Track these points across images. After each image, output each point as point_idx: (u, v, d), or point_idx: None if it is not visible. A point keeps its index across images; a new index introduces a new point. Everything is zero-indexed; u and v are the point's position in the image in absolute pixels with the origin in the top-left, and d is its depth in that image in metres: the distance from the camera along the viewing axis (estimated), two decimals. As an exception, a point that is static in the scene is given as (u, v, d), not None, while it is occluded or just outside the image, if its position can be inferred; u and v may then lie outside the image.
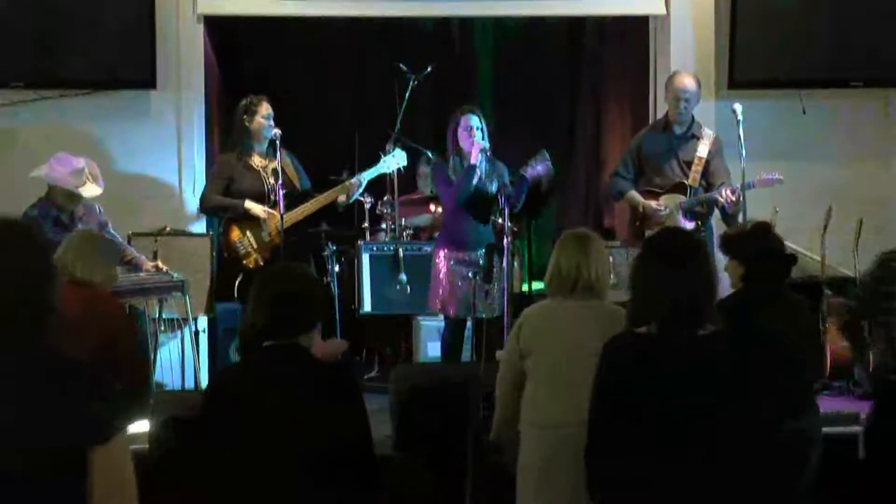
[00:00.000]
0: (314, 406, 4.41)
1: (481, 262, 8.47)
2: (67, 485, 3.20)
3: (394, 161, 9.21)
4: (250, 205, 8.73)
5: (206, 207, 9.12)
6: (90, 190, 8.26)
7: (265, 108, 8.82)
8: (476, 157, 8.52)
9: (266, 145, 8.86)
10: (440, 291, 8.66)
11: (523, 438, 5.78)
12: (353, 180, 9.00)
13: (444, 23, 11.28)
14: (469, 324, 8.76)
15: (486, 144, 8.56)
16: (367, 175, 9.07)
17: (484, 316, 8.47)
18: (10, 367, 3.20)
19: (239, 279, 8.76)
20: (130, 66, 9.63)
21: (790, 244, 9.69)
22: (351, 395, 4.54)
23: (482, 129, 8.61)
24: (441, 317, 8.94)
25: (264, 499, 4.35)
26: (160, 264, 8.56)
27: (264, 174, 8.82)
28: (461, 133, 8.64)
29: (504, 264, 8.43)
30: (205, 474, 4.51)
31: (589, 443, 4.38)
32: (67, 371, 3.29)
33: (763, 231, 6.21)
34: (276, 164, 8.55)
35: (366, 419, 4.56)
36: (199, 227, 9.76)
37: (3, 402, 3.18)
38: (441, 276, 8.66)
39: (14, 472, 3.15)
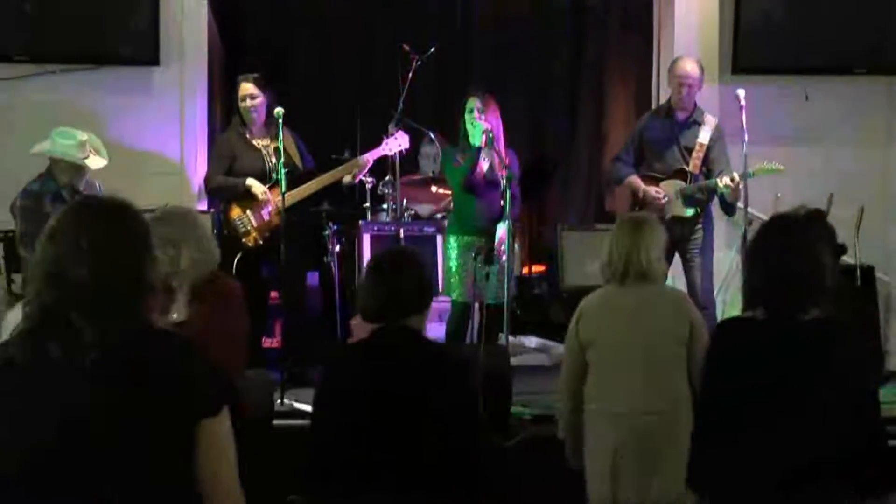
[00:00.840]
0: (427, 388, 4.47)
1: (483, 243, 8.47)
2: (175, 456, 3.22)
3: (396, 143, 9.20)
4: (251, 182, 8.73)
5: (210, 188, 9.13)
6: (95, 162, 8.26)
7: (242, 90, 8.83)
8: (481, 140, 8.51)
9: (264, 123, 8.84)
10: (450, 276, 8.67)
11: (591, 425, 5.79)
12: (360, 159, 8.99)
13: (448, 2, 11.27)
14: (476, 308, 8.76)
15: (489, 127, 8.52)
16: (371, 156, 9.07)
17: (490, 302, 8.46)
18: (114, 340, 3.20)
19: (238, 257, 8.74)
20: (133, 42, 9.63)
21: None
22: (463, 377, 4.64)
23: (488, 112, 8.58)
24: (443, 298, 8.95)
25: (372, 479, 4.41)
26: None
27: (266, 153, 8.81)
28: (468, 115, 8.64)
29: (506, 247, 8.43)
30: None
31: (696, 427, 4.41)
32: (175, 346, 3.33)
33: (821, 220, 6.21)
34: (277, 143, 8.53)
35: (475, 403, 4.67)
36: (202, 204, 9.75)
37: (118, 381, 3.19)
38: (451, 261, 8.66)
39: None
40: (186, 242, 5.66)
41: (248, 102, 8.81)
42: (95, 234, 3.23)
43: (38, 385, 3.17)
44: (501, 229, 8.40)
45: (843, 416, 4.15)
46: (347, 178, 8.97)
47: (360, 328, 4.95)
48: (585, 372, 5.78)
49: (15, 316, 3.77)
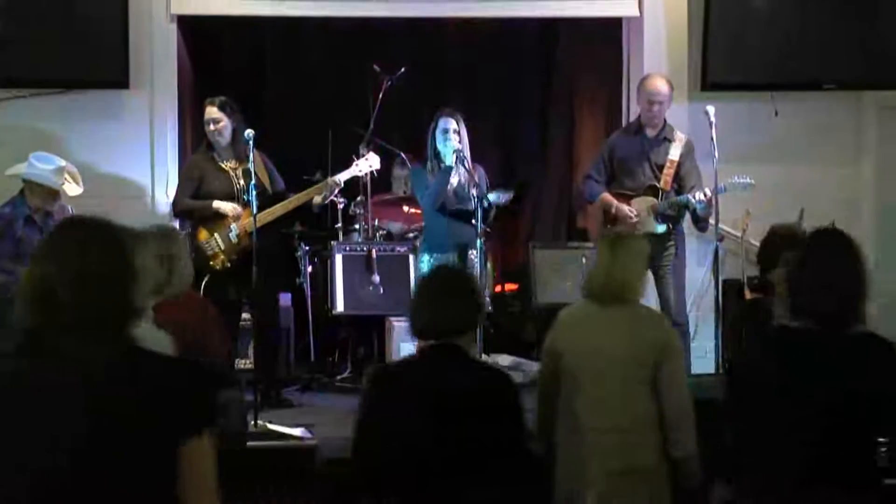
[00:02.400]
0: (475, 406, 4.54)
1: (455, 262, 8.48)
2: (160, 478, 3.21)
3: (366, 164, 9.19)
4: (219, 204, 8.70)
5: (177, 211, 9.08)
6: (72, 189, 8.25)
7: (207, 114, 8.78)
8: (450, 160, 8.53)
9: (232, 146, 8.81)
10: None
11: (559, 439, 5.79)
12: (330, 180, 8.98)
13: (417, 24, 11.27)
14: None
15: (460, 147, 8.55)
16: (342, 177, 9.05)
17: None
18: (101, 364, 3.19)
19: (205, 280, 8.72)
20: (103, 66, 9.59)
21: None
22: (510, 397, 4.71)
23: (459, 132, 8.62)
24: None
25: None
26: None
27: (234, 175, 8.79)
28: (438, 135, 8.67)
29: (478, 266, 8.44)
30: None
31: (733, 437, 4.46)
32: (161, 366, 3.33)
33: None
34: (247, 164, 8.50)
35: (522, 421, 4.79)
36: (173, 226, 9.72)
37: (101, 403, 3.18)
38: (424, 279, 8.66)
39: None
40: (181, 258, 5.76)
41: (212, 126, 8.78)
42: (83, 257, 3.22)
43: (26, 408, 3.16)
44: (473, 248, 8.42)
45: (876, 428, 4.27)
46: (318, 199, 8.95)
47: None
48: (558, 380, 5.77)
49: None
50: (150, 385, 3.22)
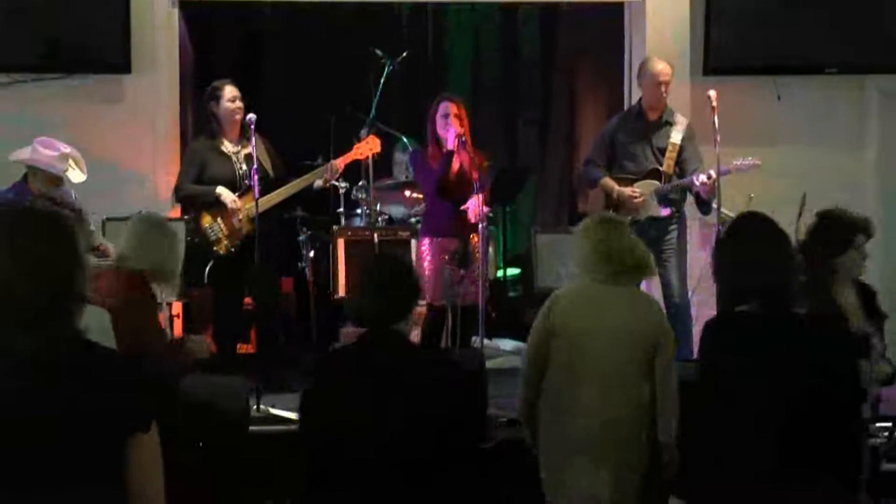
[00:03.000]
0: (418, 388, 4.63)
1: (458, 247, 8.48)
2: (107, 477, 3.21)
3: (366, 147, 9.18)
4: (221, 191, 8.68)
5: (179, 196, 9.08)
6: (76, 176, 8.23)
7: (229, 92, 8.76)
8: (452, 144, 8.52)
9: (237, 130, 8.80)
10: (423, 279, 8.68)
11: (543, 418, 5.81)
12: (330, 164, 8.96)
13: (419, 8, 11.25)
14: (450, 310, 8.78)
15: (461, 131, 8.55)
16: (343, 161, 9.04)
17: (456, 304, 8.48)
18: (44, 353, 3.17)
19: (209, 265, 8.72)
20: (105, 50, 9.59)
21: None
22: (456, 379, 4.85)
23: (459, 116, 8.61)
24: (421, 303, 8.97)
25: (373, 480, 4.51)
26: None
27: (236, 160, 8.78)
28: (439, 120, 8.66)
29: (480, 250, 8.44)
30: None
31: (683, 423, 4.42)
32: (108, 359, 3.32)
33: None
34: (249, 149, 8.50)
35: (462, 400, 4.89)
36: (175, 211, 9.71)
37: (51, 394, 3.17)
38: (424, 264, 8.67)
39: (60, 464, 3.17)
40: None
41: (237, 104, 8.76)
42: (26, 244, 3.20)
43: None
44: (475, 232, 8.41)
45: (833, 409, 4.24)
46: (318, 183, 8.93)
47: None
48: (546, 360, 5.76)
49: None
50: (99, 377, 3.21)
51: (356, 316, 4.90)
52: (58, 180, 8.18)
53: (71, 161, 8.23)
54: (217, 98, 8.79)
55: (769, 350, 4.35)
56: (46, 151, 8.18)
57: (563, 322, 5.73)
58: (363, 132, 9.48)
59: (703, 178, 8.64)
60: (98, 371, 3.23)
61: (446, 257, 8.45)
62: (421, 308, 9.15)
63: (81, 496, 3.17)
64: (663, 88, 8.88)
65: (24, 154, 8.26)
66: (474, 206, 8.35)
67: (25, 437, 3.13)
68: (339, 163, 8.99)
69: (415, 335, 8.95)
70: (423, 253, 8.71)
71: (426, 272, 8.63)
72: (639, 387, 5.61)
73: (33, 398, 3.13)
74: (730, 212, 9.19)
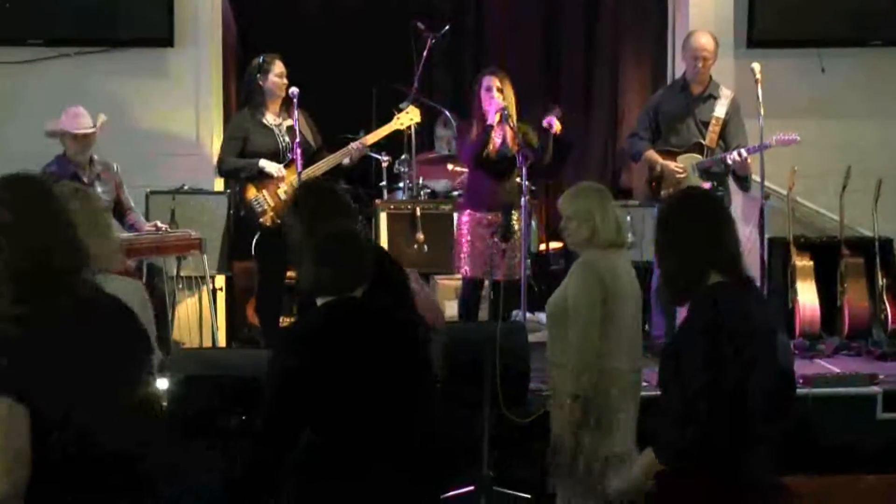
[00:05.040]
0: (391, 352, 4.59)
1: (500, 220, 8.49)
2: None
3: (407, 117, 9.17)
4: (265, 163, 8.69)
5: (223, 170, 9.10)
6: (81, 126, 8.24)
7: (278, 67, 8.78)
8: (493, 118, 8.52)
9: (280, 103, 8.83)
10: (461, 252, 8.69)
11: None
12: (354, 145, 8.93)
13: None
14: (487, 284, 8.78)
15: (504, 105, 8.53)
16: (372, 137, 9.02)
17: (497, 278, 8.50)
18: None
19: (256, 238, 8.77)
20: (148, 24, 9.64)
21: (809, 203, 9.74)
22: (417, 343, 4.81)
23: (502, 90, 8.60)
24: (458, 276, 8.98)
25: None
26: (158, 223, 8.57)
27: (278, 132, 8.79)
28: (483, 94, 8.65)
29: (522, 224, 8.43)
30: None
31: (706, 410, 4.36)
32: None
33: None
34: (290, 121, 8.53)
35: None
36: (219, 185, 9.75)
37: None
38: (463, 237, 8.69)
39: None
40: None
41: (284, 79, 8.78)
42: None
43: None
44: (518, 206, 8.41)
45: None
46: (346, 161, 8.90)
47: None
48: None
49: None
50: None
51: (312, 286, 4.77)
52: (79, 138, 8.21)
53: (82, 115, 8.26)
54: (266, 72, 8.79)
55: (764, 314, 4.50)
56: (65, 117, 8.25)
57: (607, 288, 5.86)
58: (403, 104, 9.45)
59: (734, 155, 8.62)
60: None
61: (488, 231, 8.45)
62: (454, 281, 9.21)
63: None
64: (701, 64, 8.82)
65: (50, 125, 8.33)
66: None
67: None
68: (368, 139, 8.97)
69: (450, 308, 9.04)
70: (463, 226, 8.72)
71: (464, 245, 8.64)
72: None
73: None
74: (775, 185, 9.18)
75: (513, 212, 8.48)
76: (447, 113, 10.54)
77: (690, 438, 4.21)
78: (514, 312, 8.60)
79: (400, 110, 9.24)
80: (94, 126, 8.30)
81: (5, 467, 3.16)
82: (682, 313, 8.56)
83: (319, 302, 4.69)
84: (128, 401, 3.42)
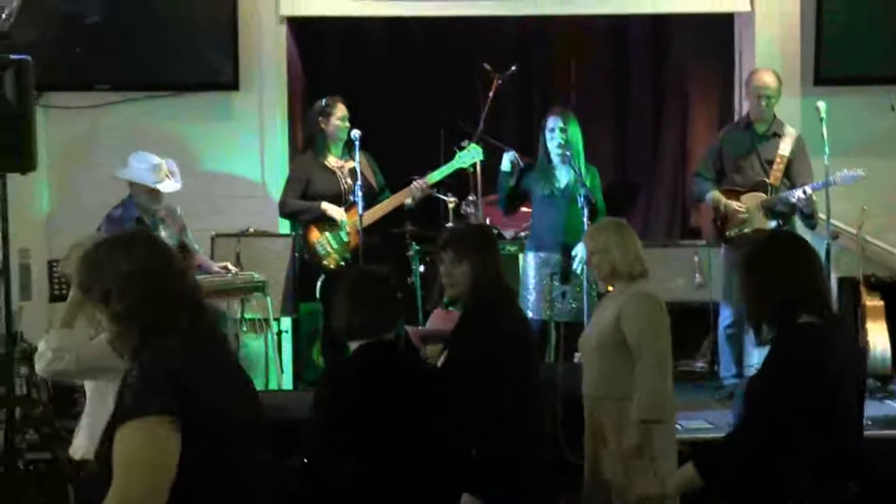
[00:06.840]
0: (422, 394, 4.83)
1: (560, 261, 8.46)
2: None
3: (469, 156, 9.16)
4: (327, 206, 8.74)
5: (285, 213, 9.16)
6: (168, 186, 8.31)
7: (340, 111, 8.83)
8: (506, 164, 8.73)
9: (342, 146, 8.87)
10: (526, 293, 8.65)
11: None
12: (415, 184, 8.95)
13: (526, 21, 11.22)
14: (552, 326, 8.74)
15: (566, 146, 8.51)
16: (435, 176, 9.03)
17: (567, 320, 8.46)
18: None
19: (320, 280, 8.79)
20: (214, 69, 9.74)
21: (879, 242, 9.62)
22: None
23: (565, 130, 8.57)
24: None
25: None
26: (229, 265, 8.62)
27: (340, 174, 8.83)
28: (547, 134, 8.64)
29: (585, 265, 8.37)
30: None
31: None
32: None
33: None
34: (352, 164, 8.57)
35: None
36: (284, 227, 9.79)
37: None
38: (528, 277, 8.66)
39: None
40: None
41: (346, 122, 8.83)
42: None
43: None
44: (580, 246, 8.35)
45: None
46: (408, 202, 8.94)
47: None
48: None
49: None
50: None
51: (346, 332, 4.94)
52: (155, 192, 8.27)
53: (165, 171, 8.31)
54: (328, 115, 8.85)
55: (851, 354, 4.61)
56: (138, 165, 8.29)
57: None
58: (465, 143, 9.42)
59: (798, 193, 8.56)
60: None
61: (550, 273, 8.41)
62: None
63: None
64: (764, 102, 8.78)
65: (121, 171, 8.39)
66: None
67: None
68: (429, 179, 8.99)
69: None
70: (528, 267, 8.69)
71: (530, 286, 8.61)
72: None
73: None
74: (843, 224, 9.08)
75: (575, 252, 8.43)
76: (513, 152, 10.51)
77: (736, 457, 4.30)
78: (577, 354, 8.54)
79: (461, 149, 9.23)
80: (179, 185, 8.36)
81: (155, 485, 3.27)
82: (753, 354, 8.57)
83: (353, 345, 4.88)
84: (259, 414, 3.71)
